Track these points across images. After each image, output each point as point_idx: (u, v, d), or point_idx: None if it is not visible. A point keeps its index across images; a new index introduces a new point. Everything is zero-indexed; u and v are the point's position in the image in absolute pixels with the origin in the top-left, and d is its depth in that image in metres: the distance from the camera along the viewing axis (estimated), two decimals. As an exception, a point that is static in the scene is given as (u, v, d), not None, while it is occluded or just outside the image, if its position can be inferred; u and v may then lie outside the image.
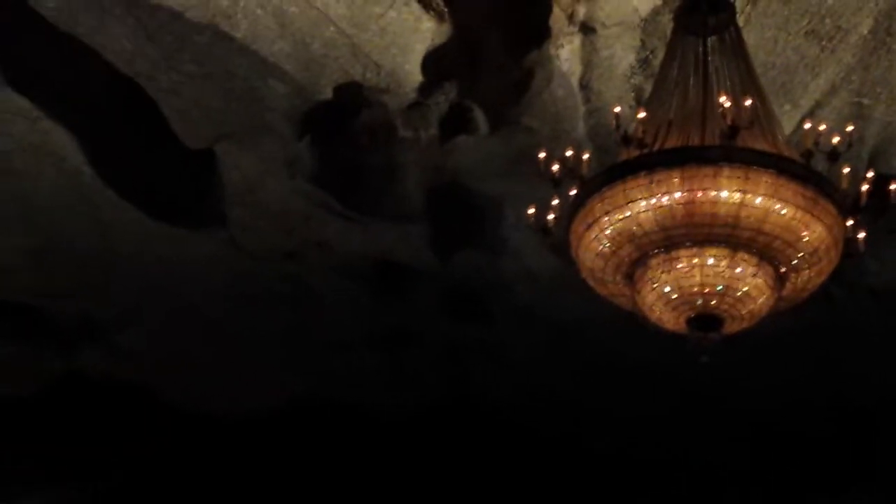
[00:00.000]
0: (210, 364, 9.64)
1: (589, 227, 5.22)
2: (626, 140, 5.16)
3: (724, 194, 4.96)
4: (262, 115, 6.98)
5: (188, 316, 9.05)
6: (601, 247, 5.24)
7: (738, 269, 5.10)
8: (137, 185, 7.65)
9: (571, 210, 5.36)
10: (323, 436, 10.50)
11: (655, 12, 6.30)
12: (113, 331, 9.23)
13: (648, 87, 6.23)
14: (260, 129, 7.10)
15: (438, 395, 10.00)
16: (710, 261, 5.10)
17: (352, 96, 6.79)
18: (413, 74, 6.59)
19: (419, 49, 6.44)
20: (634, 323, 5.65)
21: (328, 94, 6.81)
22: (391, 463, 10.66)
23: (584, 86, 6.80)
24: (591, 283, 5.55)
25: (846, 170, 5.33)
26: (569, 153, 5.47)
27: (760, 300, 5.21)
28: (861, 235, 5.45)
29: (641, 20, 6.35)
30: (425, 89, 6.68)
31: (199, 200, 7.84)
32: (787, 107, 6.77)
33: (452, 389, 9.97)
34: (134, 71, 6.66)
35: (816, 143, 5.18)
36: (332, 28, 6.33)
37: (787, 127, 6.56)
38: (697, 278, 5.12)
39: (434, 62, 6.49)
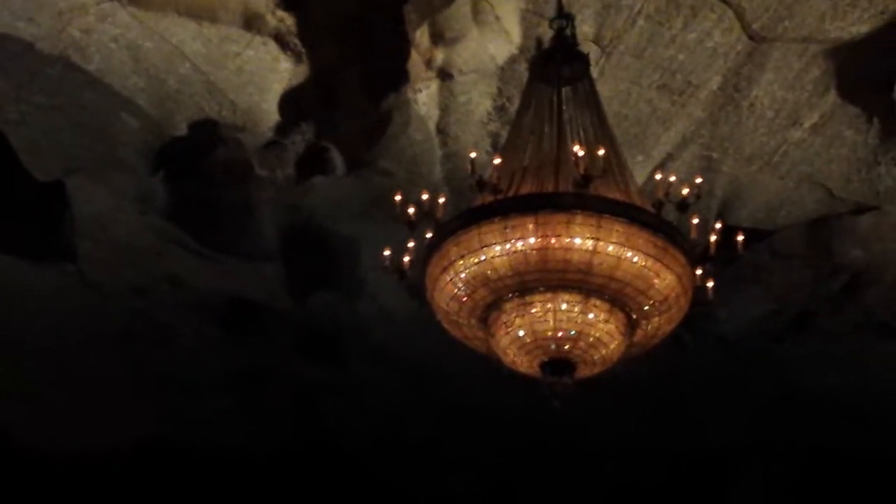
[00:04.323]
0: (58, 402, 9.41)
1: (444, 270, 5.23)
2: (481, 185, 5.18)
3: (578, 241, 5.01)
4: (114, 150, 6.86)
5: (34, 352, 8.82)
6: (456, 290, 5.24)
7: (591, 315, 5.15)
8: (-18, 218, 7.46)
9: (427, 253, 5.36)
10: (175, 478, 10.29)
11: (512, 60, 6.38)
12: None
13: (504, 134, 6.29)
14: (112, 163, 6.98)
15: (292, 437, 9.90)
16: (564, 306, 5.14)
17: (207, 133, 6.71)
18: (270, 114, 6.53)
19: (276, 88, 6.39)
20: (489, 366, 5.66)
21: (183, 130, 6.71)
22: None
23: (441, 130, 6.84)
24: (447, 325, 5.54)
25: (695, 220, 5.44)
26: (425, 196, 5.47)
27: (612, 346, 5.25)
28: (710, 284, 5.56)
29: (498, 68, 6.43)
30: (282, 129, 6.62)
31: (48, 234, 7.68)
32: (640, 157, 6.89)
33: (306, 432, 9.87)
34: (-20, 101, 6.50)
35: (667, 194, 5.25)
36: (187, 64, 6.26)
37: (640, 177, 6.67)
38: (551, 323, 5.15)
39: (291, 102, 6.44)
